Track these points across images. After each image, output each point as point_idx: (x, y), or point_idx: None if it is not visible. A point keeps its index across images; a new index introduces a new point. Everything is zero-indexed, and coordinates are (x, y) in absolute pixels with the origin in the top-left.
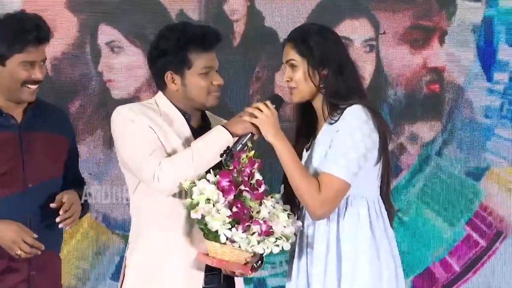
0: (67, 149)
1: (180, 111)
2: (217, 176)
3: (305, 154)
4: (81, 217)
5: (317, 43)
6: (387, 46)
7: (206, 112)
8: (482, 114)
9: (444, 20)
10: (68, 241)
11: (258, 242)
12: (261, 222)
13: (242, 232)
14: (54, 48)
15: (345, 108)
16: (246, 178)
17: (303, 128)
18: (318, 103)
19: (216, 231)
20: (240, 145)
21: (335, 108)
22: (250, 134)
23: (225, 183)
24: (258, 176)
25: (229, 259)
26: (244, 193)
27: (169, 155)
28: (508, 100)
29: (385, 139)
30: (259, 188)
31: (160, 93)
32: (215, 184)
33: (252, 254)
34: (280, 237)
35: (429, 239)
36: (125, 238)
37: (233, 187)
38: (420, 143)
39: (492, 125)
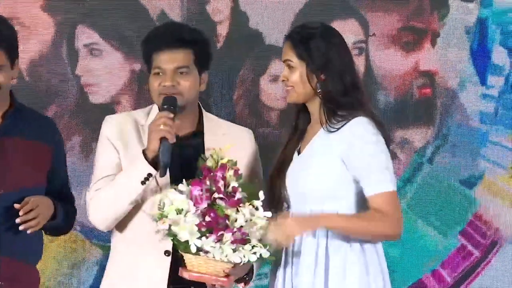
0: (49, 158)
1: None
2: (190, 185)
3: (296, 157)
4: (65, 232)
5: (318, 46)
6: (377, 49)
7: (206, 115)
8: (476, 119)
9: (436, 21)
10: (43, 251)
11: (234, 251)
12: (235, 230)
13: (216, 242)
14: (30, 50)
15: (346, 118)
16: (219, 185)
17: (297, 130)
18: (313, 107)
19: (187, 242)
20: (166, 154)
21: (333, 114)
22: (165, 140)
23: (196, 192)
24: (234, 183)
25: (206, 271)
26: (218, 201)
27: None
28: (503, 104)
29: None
30: (234, 195)
31: None
32: (187, 194)
33: (232, 265)
34: (257, 244)
35: (421, 249)
36: (104, 248)
37: (205, 196)
38: (411, 150)
39: (487, 130)
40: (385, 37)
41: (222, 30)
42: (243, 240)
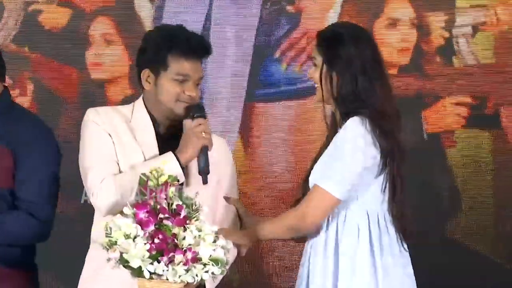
0: (10, 161)
1: (151, 117)
2: (134, 208)
3: None
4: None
5: (334, 46)
6: None
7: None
8: None
9: None
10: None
11: (186, 271)
12: (186, 249)
13: (168, 264)
14: None
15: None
16: (163, 205)
17: (330, 133)
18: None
19: (140, 267)
20: (205, 161)
21: (346, 116)
22: (206, 148)
23: (142, 214)
24: (177, 201)
25: None
26: (165, 221)
27: (120, 166)
28: None
29: (389, 153)
30: (180, 213)
31: (140, 97)
32: (133, 217)
33: (184, 284)
34: (208, 262)
35: None
36: None
37: (151, 218)
38: None
39: None
40: None
41: None
42: (195, 259)
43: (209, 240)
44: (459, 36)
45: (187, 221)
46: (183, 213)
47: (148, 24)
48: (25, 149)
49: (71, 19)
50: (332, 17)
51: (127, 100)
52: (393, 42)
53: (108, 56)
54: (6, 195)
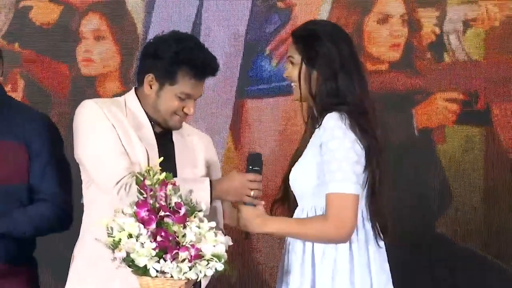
0: (23, 154)
1: (146, 115)
2: (134, 207)
3: None
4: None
5: (314, 44)
6: None
7: None
8: None
9: None
10: None
11: (190, 268)
12: (189, 246)
13: (172, 262)
14: None
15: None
16: (163, 203)
17: (307, 127)
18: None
19: (145, 266)
20: None
21: (322, 114)
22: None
23: (144, 213)
24: (176, 198)
25: None
26: (166, 219)
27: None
28: None
29: (368, 149)
30: (179, 211)
31: (132, 92)
32: (133, 216)
33: (186, 281)
34: (212, 258)
35: None
36: None
37: (153, 216)
38: None
39: None
40: None
41: None
42: (198, 255)
43: (211, 236)
44: (450, 32)
45: (187, 219)
46: (182, 211)
47: (138, 20)
48: (38, 142)
49: (61, 15)
50: (323, 13)
51: (118, 96)
52: (384, 38)
53: (98, 52)
54: (23, 190)
